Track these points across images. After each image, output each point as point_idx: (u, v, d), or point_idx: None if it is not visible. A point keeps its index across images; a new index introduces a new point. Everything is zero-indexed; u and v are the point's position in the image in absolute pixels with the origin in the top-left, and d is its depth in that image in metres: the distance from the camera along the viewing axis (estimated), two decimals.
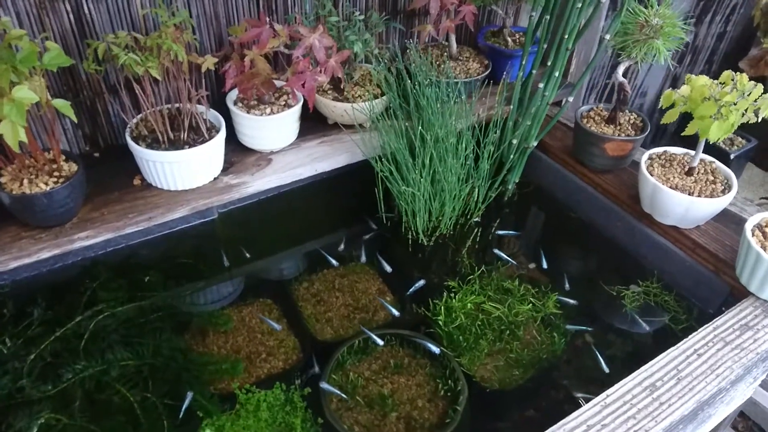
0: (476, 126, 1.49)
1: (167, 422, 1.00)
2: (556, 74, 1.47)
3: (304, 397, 1.10)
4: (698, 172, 1.35)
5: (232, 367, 1.13)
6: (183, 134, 1.31)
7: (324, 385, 1.10)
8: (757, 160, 2.64)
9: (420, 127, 1.39)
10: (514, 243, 1.53)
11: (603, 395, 0.98)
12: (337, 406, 1.11)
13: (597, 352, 1.22)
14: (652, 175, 1.34)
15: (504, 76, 1.58)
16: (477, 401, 1.13)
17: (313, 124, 1.55)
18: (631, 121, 1.52)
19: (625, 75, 1.47)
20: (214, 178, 1.37)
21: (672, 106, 1.27)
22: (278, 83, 1.41)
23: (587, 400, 0.98)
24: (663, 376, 1.02)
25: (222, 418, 1.04)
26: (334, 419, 1.06)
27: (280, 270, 1.45)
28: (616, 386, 0.99)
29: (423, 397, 1.14)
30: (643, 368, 1.03)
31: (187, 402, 1.03)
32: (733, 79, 1.21)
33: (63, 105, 1.07)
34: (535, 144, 1.57)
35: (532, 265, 1.44)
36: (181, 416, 1.02)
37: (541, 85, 1.49)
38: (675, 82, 2.78)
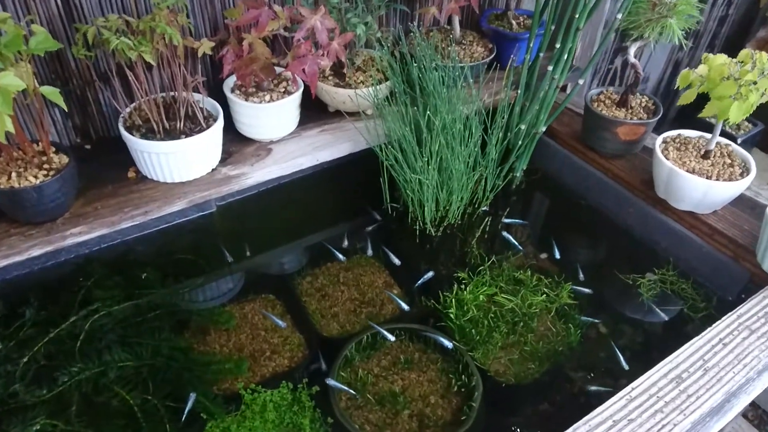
0: (483, 112, 1.44)
1: (169, 425, 0.97)
2: (566, 56, 1.41)
3: (312, 396, 1.05)
4: (715, 155, 1.31)
5: (235, 367, 1.09)
6: (179, 123, 1.25)
7: (331, 381, 1.06)
8: (763, 144, 2.60)
9: (428, 112, 1.33)
10: (525, 232, 1.48)
11: (628, 388, 0.93)
12: (346, 405, 1.06)
13: (614, 344, 1.17)
14: (667, 158, 1.29)
15: (511, 60, 1.53)
16: (492, 396, 1.08)
17: (314, 111, 1.50)
18: (643, 104, 1.47)
19: (635, 56, 1.42)
20: (212, 170, 1.32)
21: (689, 86, 1.22)
22: (278, 69, 1.35)
23: (601, 393, 0.93)
24: (689, 367, 0.97)
25: (227, 419, 1.01)
26: (344, 418, 1.02)
27: (282, 264, 1.40)
28: (641, 379, 0.95)
29: (436, 394, 1.10)
30: (667, 359, 0.98)
31: (189, 404, 1.00)
32: (752, 58, 1.16)
33: (51, 92, 1.01)
34: (544, 129, 1.52)
35: (543, 255, 1.39)
36: (183, 419, 0.99)
37: (549, 69, 1.44)
38: (677, 68, 2.74)
